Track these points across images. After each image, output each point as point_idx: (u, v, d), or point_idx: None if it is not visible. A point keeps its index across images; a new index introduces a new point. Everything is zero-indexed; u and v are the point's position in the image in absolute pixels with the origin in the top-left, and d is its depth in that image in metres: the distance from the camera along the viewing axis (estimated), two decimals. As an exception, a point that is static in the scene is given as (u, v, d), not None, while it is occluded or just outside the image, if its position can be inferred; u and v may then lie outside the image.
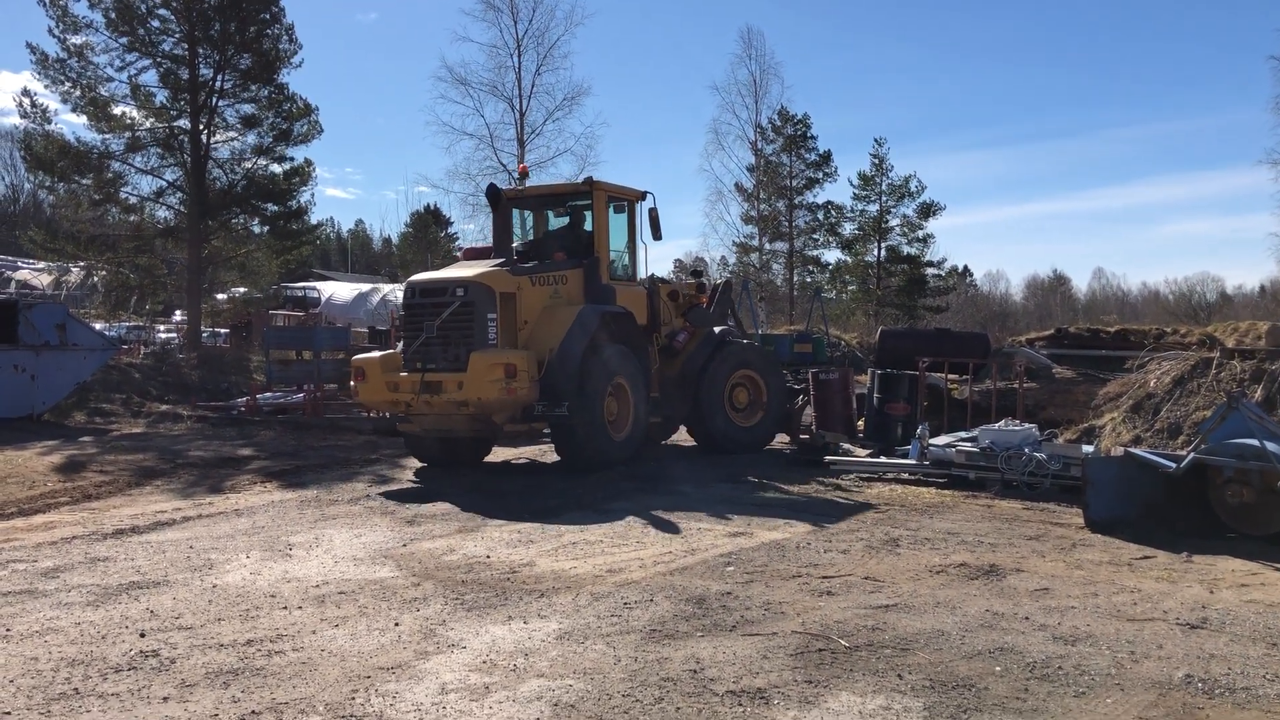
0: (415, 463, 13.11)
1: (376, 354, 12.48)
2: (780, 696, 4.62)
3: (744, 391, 14.49)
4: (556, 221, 14.29)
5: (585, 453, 12.01)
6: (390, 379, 11.85)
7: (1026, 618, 5.88)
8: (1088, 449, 10.85)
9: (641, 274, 14.23)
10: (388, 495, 10.80)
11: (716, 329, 14.58)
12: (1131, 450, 9.39)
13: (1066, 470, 10.35)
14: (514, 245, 13.66)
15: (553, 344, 11.79)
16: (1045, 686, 4.75)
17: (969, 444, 11.27)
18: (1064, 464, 10.42)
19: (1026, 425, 11.45)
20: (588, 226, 13.40)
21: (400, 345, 12.59)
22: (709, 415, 13.98)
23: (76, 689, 4.78)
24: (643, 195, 13.85)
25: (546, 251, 13.22)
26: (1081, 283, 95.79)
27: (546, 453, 13.84)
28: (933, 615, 5.93)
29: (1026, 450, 10.64)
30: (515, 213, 14.21)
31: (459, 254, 16.22)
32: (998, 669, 4.98)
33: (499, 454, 14.10)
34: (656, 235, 13.57)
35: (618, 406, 12.45)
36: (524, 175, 14.69)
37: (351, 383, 12.66)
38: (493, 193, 13.45)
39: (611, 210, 13.54)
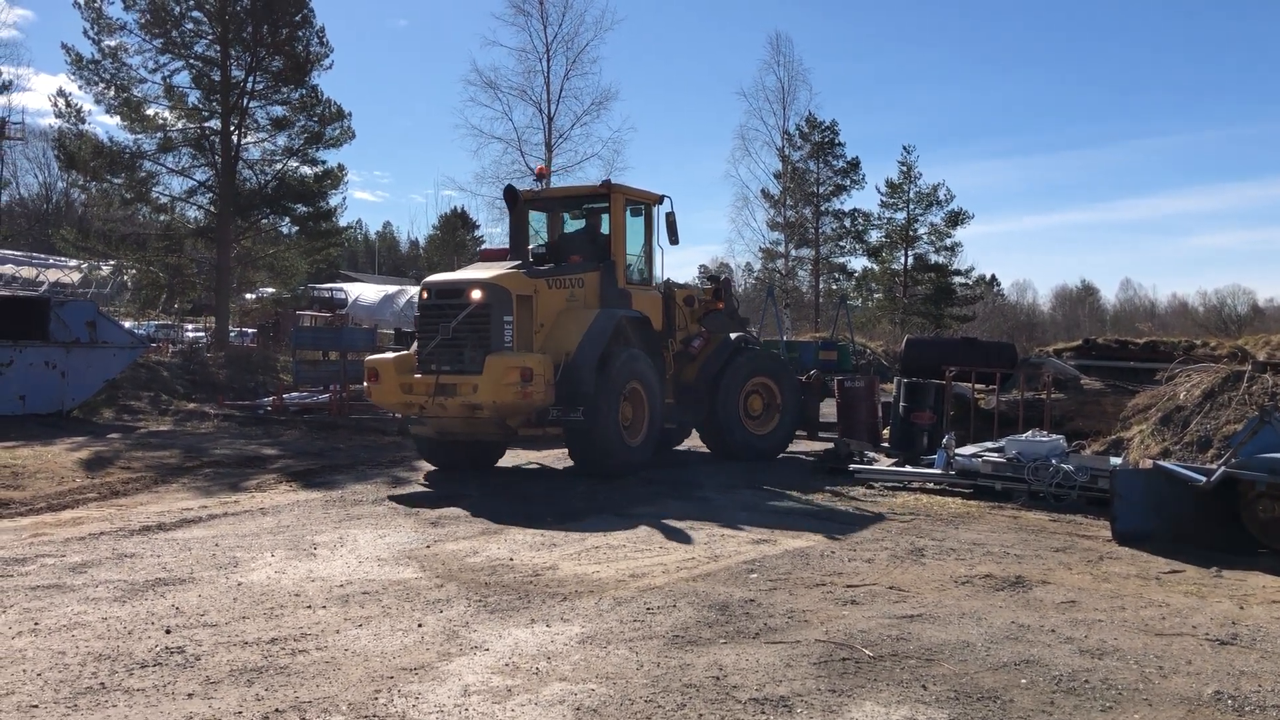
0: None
1: (390, 355, 12.23)
2: (804, 705, 4.59)
3: (758, 399, 14.31)
4: (572, 224, 14.14)
5: (600, 458, 11.84)
6: (404, 380, 11.65)
7: (1053, 630, 5.83)
8: (1115, 461, 10.75)
9: (658, 278, 14.08)
10: (412, 496, 10.83)
11: (732, 335, 14.42)
12: (1160, 463, 9.29)
13: (1094, 482, 10.25)
14: (530, 247, 13.55)
15: (569, 348, 11.62)
16: (1072, 700, 4.70)
17: (995, 454, 11.19)
18: (1091, 476, 10.32)
19: (1054, 436, 11.35)
20: (605, 229, 13.23)
21: (413, 345, 12.37)
22: (725, 422, 13.78)
23: (103, 683, 4.82)
24: (660, 199, 13.69)
25: (563, 254, 13.04)
26: (1109, 294, 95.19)
27: (559, 459, 13.80)
28: (958, 626, 5.89)
29: (1053, 461, 10.54)
30: (532, 215, 14.07)
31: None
32: (1023, 681, 4.93)
33: (506, 459, 13.88)
34: (674, 239, 13.42)
35: (633, 412, 12.27)
36: (542, 176, 14.35)
37: (365, 383, 12.44)
38: (510, 194, 13.26)
39: (628, 214, 13.38)
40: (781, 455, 14.54)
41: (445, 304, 11.72)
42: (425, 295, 12.12)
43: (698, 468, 13.33)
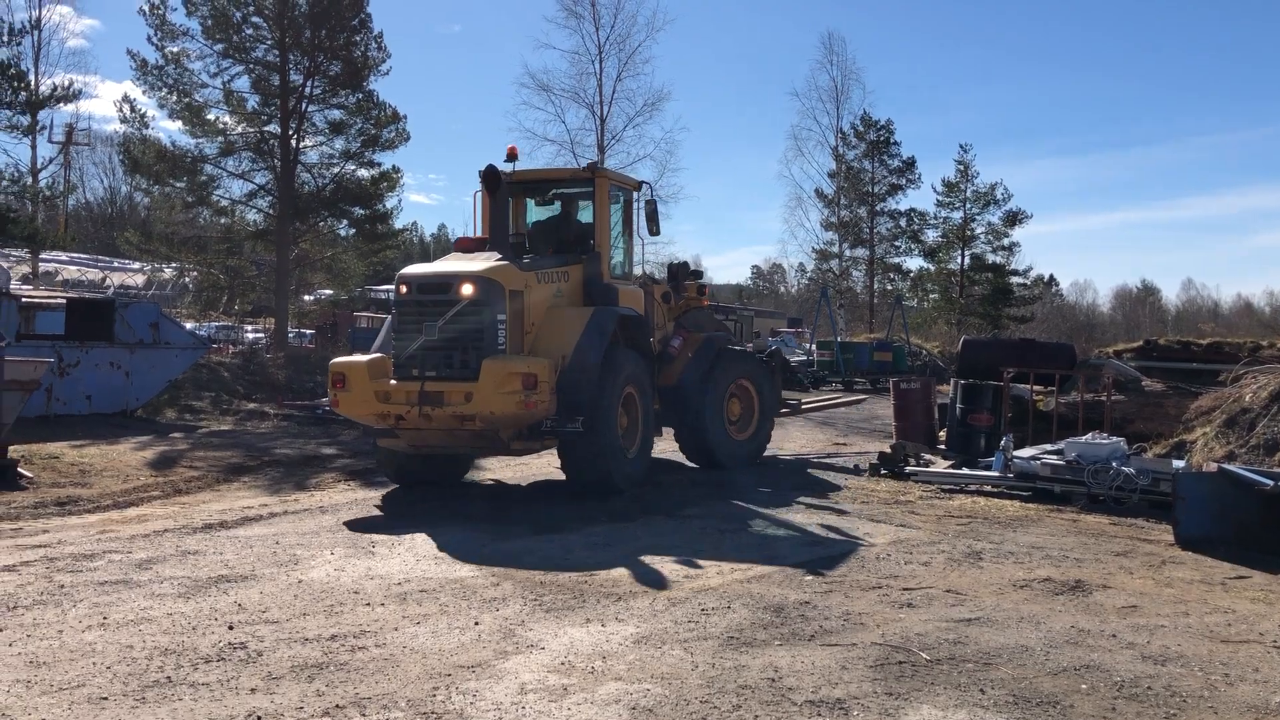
0: (494, 461, 12.91)
1: (361, 358, 10.61)
2: (860, 708, 4.57)
3: (738, 402, 13.33)
4: (537, 212, 12.84)
5: (600, 472, 10.47)
6: (379, 388, 10.07)
7: (1114, 635, 5.74)
8: (1178, 464, 10.56)
9: (636, 272, 13.17)
10: (460, 496, 10.91)
11: (713, 335, 13.40)
12: (1225, 467, 9.10)
13: (1155, 486, 10.09)
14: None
15: (565, 350, 10.29)
16: (1134, 706, 4.63)
17: (1054, 457, 11.04)
18: (1153, 479, 10.16)
19: (1114, 439, 11.17)
20: (583, 217, 12.18)
21: (376, 345, 11.04)
22: (710, 429, 12.64)
23: (169, 677, 4.92)
24: (639, 185, 12.80)
25: (537, 244, 11.99)
26: (1171, 294, 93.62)
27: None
28: (1016, 630, 5.82)
29: (1114, 464, 10.39)
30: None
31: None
32: (1084, 687, 4.87)
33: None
34: (654, 230, 12.25)
35: (627, 420, 11.06)
36: (512, 156, 11.97)
37: (330, 391, 10.81)
38: (492, 175, 11.11)
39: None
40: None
41: (428, 300, 10.26)
42: (404, 290, 10.46)
43: (746, 471, 13.21)
